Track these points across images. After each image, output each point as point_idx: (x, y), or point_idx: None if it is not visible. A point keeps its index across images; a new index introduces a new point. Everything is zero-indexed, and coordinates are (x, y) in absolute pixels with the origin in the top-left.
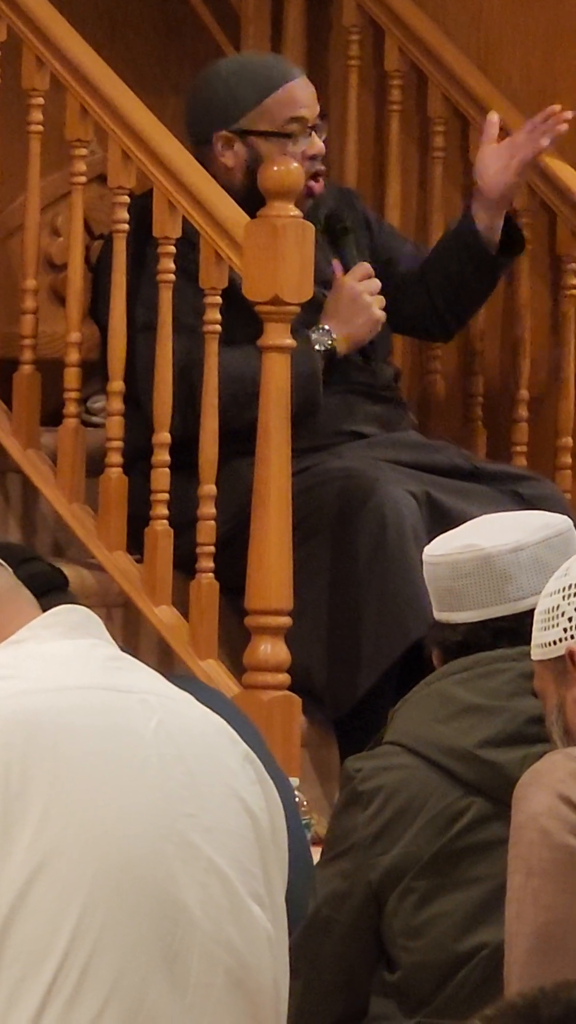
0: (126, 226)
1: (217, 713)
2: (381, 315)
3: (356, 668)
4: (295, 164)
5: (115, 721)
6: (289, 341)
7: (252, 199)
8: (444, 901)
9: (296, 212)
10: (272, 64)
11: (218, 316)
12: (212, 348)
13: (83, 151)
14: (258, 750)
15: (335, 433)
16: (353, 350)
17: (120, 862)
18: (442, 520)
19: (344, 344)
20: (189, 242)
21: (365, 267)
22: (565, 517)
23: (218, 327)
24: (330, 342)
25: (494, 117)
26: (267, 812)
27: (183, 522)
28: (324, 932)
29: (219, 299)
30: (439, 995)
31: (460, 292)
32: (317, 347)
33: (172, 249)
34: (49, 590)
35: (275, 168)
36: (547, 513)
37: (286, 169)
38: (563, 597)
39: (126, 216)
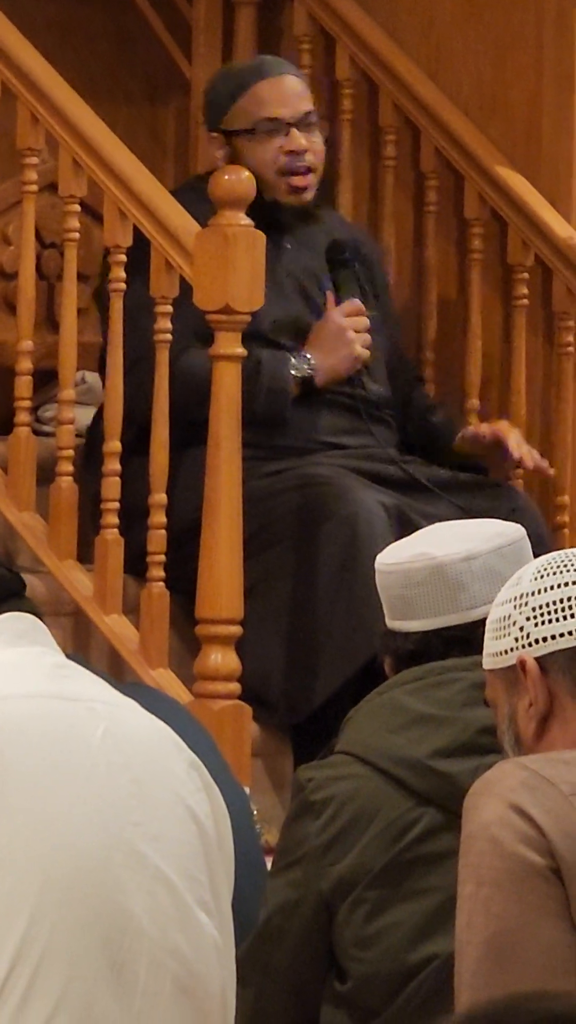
0: (76, 235)
1: (170, 721)
2: (363, 352)
3: (316, 675)
4: (246, 173)
5: (62, 729)
6: (240, 350)
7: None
8: (395, 912)
9: (247, 221)
10: (252, 65)
11: (168, 325)
12: (163, 357)
13: (34, 160)
14: (211, 757)
15: (312, 441)
16: (332, 383)
17: (67, 871)
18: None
19: (323, 376)
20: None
21: (356, 304)
22: (518, 526)
23: (169, 335)
24: (308, 371)
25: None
26: (213, 819)
27: (137, 510)
28: (275, 942)
29: (170, 308)
30: (390, 1006)
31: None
32: (294, 372)
33: (123, 258)
34: (7, 596)
35: (226, 177)
36: (500, 522)
37: (236, 178)
38: (515, 607)
39: (76, 224)
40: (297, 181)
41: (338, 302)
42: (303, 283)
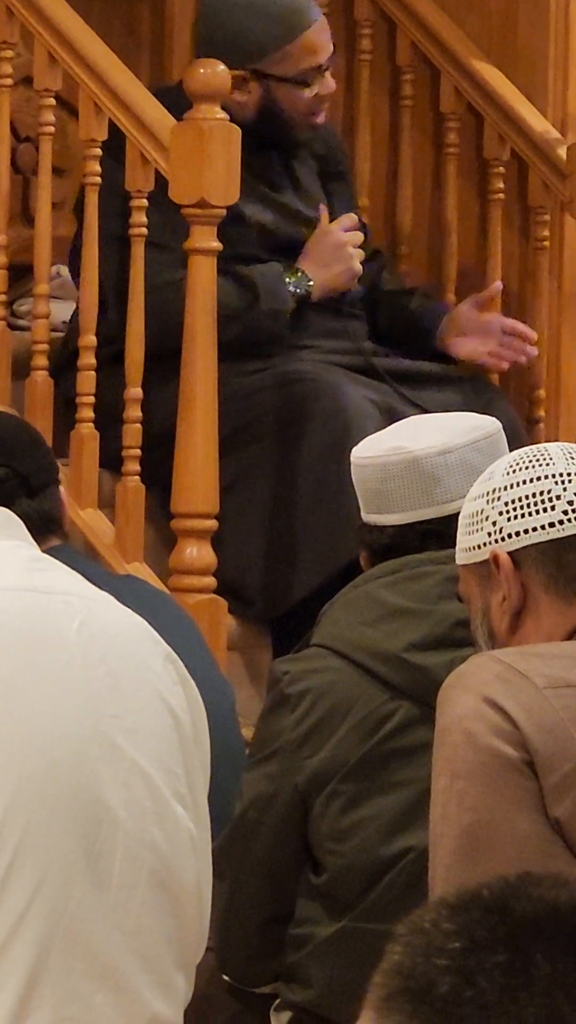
0: (52, 129)
1: (160, 613)
2: (359, 268)
3: (297, 571)
4: (222, 67)
5: (37, 623)
6: (215, 244)
7: (261, 134)
8: (370, 804)
9: (223, 115)
10: (297, 8)
11: (144, 219)
12: (138, 252)
13: (9, 53)
14: (199, 651)
15: (293, 343)
16: (326, 297)
17: (43, 764)
18: None
19: (320, 291)
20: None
21: (352, 218)
22: (494, 419)
23: (144, 230)
24: (307, 288)
25: (498, 286)
26: (189, 712)
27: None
28: (250, 835)
29: (145, 202)
30: (365, 898)
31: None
32: (293, 288)
33: (98, 152)
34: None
35: (201, 71)
36: (476, 415)
37: (212, 72)
38: (487, 501)
39: (52, 119)
40: (320, 120)
41: (332, 215)
42: (299, 198)
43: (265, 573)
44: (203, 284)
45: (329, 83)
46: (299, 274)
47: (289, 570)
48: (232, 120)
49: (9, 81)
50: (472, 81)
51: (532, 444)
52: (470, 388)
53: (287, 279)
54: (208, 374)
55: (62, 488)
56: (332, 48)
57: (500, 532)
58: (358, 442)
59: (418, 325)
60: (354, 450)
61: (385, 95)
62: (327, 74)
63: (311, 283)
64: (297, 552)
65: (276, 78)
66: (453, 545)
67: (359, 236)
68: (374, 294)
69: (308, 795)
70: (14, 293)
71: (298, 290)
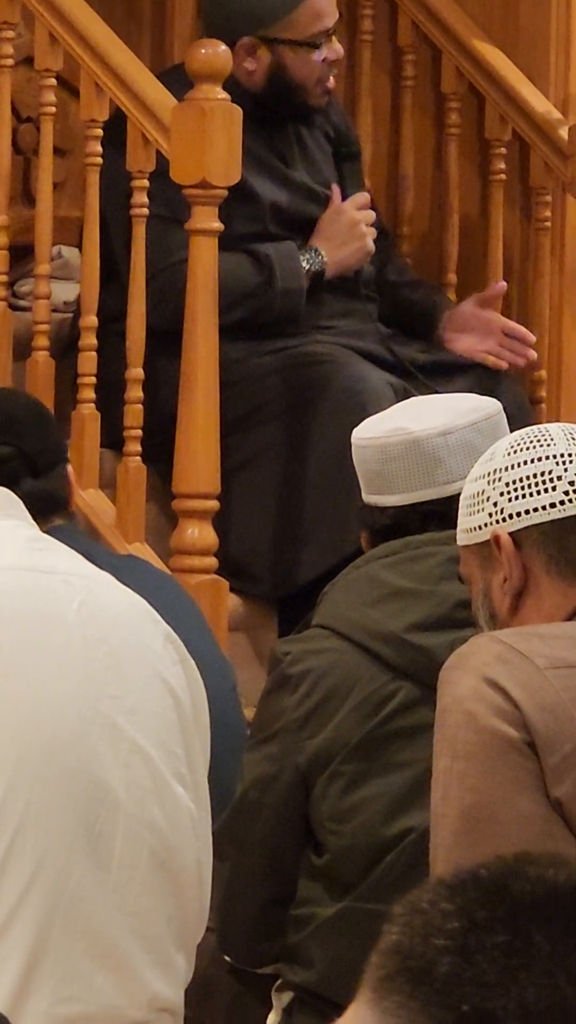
0: (53, 109)
1: (161, 594)
2: (372, 247)
3: (308, 552)
4: (223, 47)
5: (37, 602)
6: (217, 225)
7: (271, 101)
8: (372, 785)
9: (224, 95)
10: None
11: (145, 199)
12: (139, 232)
13: (10, 33)
14: (200, 631)
15: (307, 325)
16: (339, 275)
17: (44, 744)
18: None
19: (333, 269)
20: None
21: (365, 196)
22: (495, 400)
23: (145, 210)
24: (320, 265)
25: (502, 286)
26: (189, 692)
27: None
28: (252, 816)
29: (146, 182)
30: (366, 879)
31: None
32: (307, 266)
33: (99, 132)
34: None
35: (203, 51)
36: (477, 396)
37: (214, 52)
38: (488, 482)
39: (53, 99)
40: (330, 85)
41: (344, 195)
42: (311, 175)
43: (274, 552)
44: (204, 265)
45: (337, 48)
46: (312, 251)
47: (299, 551)
48: (242, 90)
49: (10, 61)
50: (473, 61)
51: (533, 425)
52: (479, 374)
53: (301, 254)
54: (210, 355)
55: (70, 468)
56: (338, 14)
57: (501, 513)
58: None
59: (419, 319)
60: (355, 431)
61: (386, 76)
62: (334, 39)
63: (324, 261)
64: (308, 533)
65: (285, 42)
66: (454, 526)
67: (371, 215)
68: (378, 281)
69: (309, 776)
70: (15, 273)
71: (312, 267)
